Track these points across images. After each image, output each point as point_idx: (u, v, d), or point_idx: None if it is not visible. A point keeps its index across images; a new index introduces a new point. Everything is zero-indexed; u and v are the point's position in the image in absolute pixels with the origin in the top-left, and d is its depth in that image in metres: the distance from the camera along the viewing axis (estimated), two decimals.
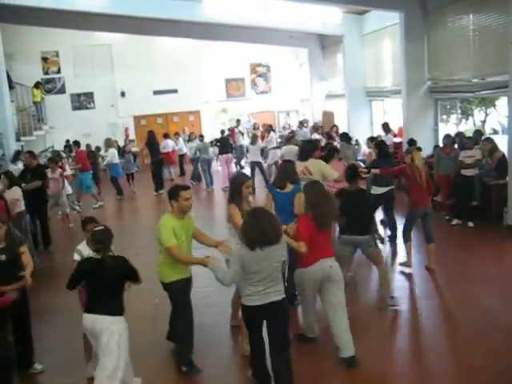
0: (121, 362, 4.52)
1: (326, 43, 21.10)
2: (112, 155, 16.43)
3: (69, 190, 13.58)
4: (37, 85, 20.06)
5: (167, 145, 18.32)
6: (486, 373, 5.02)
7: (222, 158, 16.63)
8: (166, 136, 18.59)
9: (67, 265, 5.55)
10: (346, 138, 13.23)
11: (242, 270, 4.42)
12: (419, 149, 8.87)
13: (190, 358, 5.36)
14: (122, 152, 18.53)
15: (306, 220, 5.38)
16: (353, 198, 6.44)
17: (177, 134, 19.88)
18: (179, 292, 5.24)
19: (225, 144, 16.90)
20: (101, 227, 4.80)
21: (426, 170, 7.82)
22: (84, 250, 5.29)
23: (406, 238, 7.94)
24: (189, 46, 22.16)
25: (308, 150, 8.08)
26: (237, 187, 5.73)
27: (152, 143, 17.07)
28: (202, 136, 18.43)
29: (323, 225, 5.34)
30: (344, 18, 17.36)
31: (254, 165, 15.50)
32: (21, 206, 9.16)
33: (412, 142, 11.92)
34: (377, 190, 9.06)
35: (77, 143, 16.29)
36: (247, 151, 17.62)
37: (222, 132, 18.96)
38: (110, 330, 4.51)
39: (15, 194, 9.09)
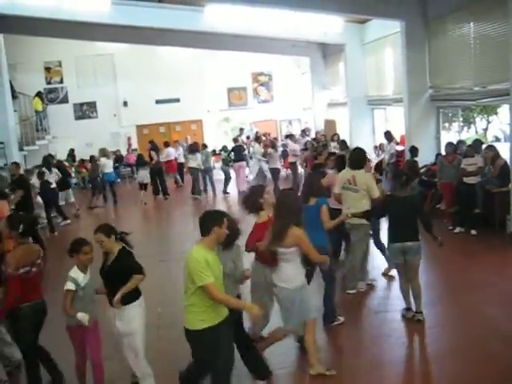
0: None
1: (327, 52, 21.16)
2: (103, 165, 16.47)
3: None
4: (38, 94, 20.08)
5: (169, 153, 18.38)
6: (484, 380, 5.01)
7: (235, 166, 16.81)
8: (166, 144, 18.63)
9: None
10: (344, 145, 13.31)
11: None
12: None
13: None
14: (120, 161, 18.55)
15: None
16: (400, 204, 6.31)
17: (176, 141, 19.88)
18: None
19: (238, 152, 17.07)
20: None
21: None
22: (78, 276, 4.85)
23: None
24: (191, 56, 22.28)
25: (360, 158, 7.46)
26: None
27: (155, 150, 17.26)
28: (204, 145, 18.34)
29: None
30: (345, 26, 17.41)
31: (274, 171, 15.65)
32: None
33: (414, 150, 11.94)
34: None
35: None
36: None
37: (235, 140, 18.84)
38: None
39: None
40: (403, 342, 6.03)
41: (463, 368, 5.29)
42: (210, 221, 4.39)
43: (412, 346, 5.97)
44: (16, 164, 12.14)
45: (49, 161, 14.96)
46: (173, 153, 18.66)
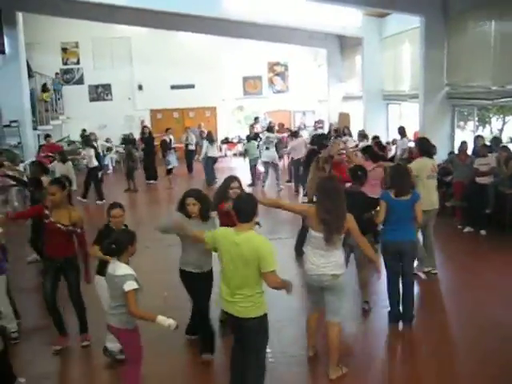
0: None
1: (345, 45, 21.04)
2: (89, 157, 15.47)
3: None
4: (44, 88, 19.85)
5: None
6: (481, 379, 5.04)
7: None
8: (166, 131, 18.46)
9: None
10: (363, 136, 13.21)
11: None
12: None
13: None
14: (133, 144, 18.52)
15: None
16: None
17: (187, 128, 19.74)
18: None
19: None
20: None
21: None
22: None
23: None
24: (208, 42, 22.21)
25: (432, 146, 7.66)
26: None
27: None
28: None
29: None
30: (364, 20, 17.31)
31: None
32: None
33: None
34: None
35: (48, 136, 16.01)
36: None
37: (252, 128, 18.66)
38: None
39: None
40: (405, 340, 6.03)
41: (464, 366, 5.33)
42: (253, 208, 4.33)
43: (414, 344, 5.96)
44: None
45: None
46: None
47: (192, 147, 19.03)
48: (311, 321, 5.45)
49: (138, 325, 4.48)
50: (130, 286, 4.21)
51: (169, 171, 16.77)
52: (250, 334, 4.32)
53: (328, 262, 4.91)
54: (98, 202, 14.14)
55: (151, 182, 17.42)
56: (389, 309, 6.31)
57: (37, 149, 16.14)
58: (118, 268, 4.32)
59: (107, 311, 4.55)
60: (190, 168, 19.24)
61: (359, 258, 6.45)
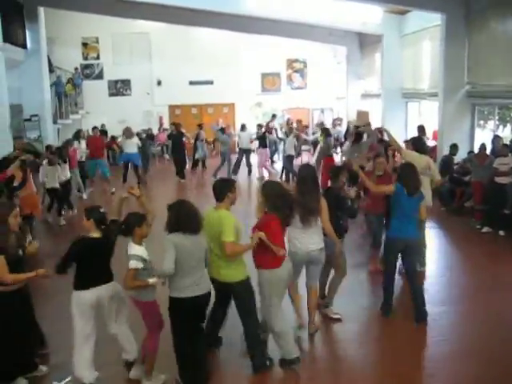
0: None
1: (364, 42, 20.92)
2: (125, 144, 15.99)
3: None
4: (69, 81, 20.21)
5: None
6: (485, 381, 5.02)
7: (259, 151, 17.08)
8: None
9: None
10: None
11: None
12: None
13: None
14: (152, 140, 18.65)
15: (277, 221, 5.19)
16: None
17: (200, 125, 19.68)
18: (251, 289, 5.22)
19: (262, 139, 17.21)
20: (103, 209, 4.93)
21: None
22: (142, 252, 4.73)
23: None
24: (227, 38, 22.22)
25: (425, 144, 8.00)
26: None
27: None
28: (223, 129, 18.39)
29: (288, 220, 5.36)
30: (384, 17, 17.19)
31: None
32: None
33: (454, 147, 11.80)
34: None
35: (96, 128, 16.19)
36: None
37: (260, 126, 18.73)
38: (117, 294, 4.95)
39: None
40: (418, 339, 6.00)
41: (478, 367, 5.27)
42: (223, 188, 5.10)
43: (427, 343, 5.92)
44: None
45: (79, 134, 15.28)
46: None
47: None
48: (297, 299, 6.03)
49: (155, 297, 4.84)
50: (131, 264, 4.62)
51: (195, 163, 17.36)
52: (240, 295, 5.10)
53: (311, 238, 5.59)
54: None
55: (181, 180, 16.74)
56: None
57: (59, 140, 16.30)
58: (130, 248, 4.73)
59: None
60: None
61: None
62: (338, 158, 15.56)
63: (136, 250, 4.70)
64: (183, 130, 17.56)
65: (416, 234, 6.24)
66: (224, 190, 5.07)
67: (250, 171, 17.15)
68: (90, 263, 4.76)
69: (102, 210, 4.95)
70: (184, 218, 4.62)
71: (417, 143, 8.22)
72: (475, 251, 8.93)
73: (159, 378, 4.97)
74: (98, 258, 4.82)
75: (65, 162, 11.80)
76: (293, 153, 15.67)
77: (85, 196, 14.02)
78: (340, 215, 6.19)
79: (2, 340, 4.86)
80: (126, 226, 4.75)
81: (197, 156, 18.60)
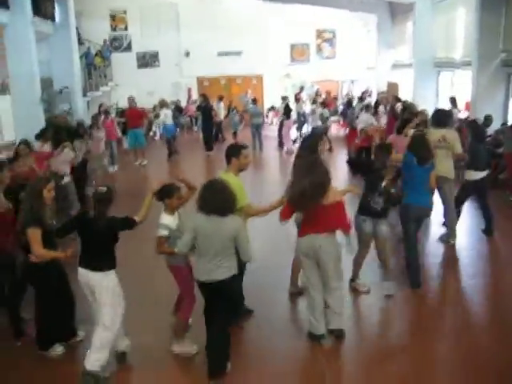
0: (116, 318, 4.73)
1: (395, 10, 20.43)
2: (165, 116, 16.45)
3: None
4: (97, 53, 20.25)
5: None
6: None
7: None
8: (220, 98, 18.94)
9: None
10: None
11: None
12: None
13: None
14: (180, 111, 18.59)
15: None
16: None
17: (221, 98, 19.37)
18: None
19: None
20: (104, 188, 4.77)
21: None
22: (169, 221, 4.94)
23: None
24: (255, 9, 21.95)
25: (445, 117, 7.91)
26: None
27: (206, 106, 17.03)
28: (254, 100, 18.24)
29: (293, 204, 4.98)
30: None
31: None
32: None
33: (488, 119, 11.50)
34: (474, 175, 7.82)
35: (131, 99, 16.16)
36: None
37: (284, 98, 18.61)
38: (100, 287, 4.68)
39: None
40: (446, 312, 5.97)
41: (509, 338, 5.24)
42: (228, 152, 5.26)
43: (457, 316, 5.89)
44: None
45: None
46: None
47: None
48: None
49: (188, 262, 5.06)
50: (159, 232, 4.91)
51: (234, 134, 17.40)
52: (229, 292, 4.68)
53: None
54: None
55: (209, 153, 16.58)
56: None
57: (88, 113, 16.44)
58: (161, 217, 4.98)
59: None
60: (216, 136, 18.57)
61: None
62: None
63: (164, 219, 4.94)
64: (212, 103, 17.53)
65: (428, 202, 6.43)
66: (229, 153, 5.24)
67: (260, 147, 16.86)
68: (82, 240, 4.82)
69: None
70: (209, 199, 4.40)
71: (434, 117, 8.16)
72: (508, 224, 8.78)
73: (190, 346, 5.06)
74: (84, 237, 4.81)
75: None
76: (318, 124, 15.56)
77: (113, 169, 14.19)
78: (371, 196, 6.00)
79: (43, 308, 5.09)
80: (158, 193, 4.92)
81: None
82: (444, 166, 7.26)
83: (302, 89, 21.25)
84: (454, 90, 16.02)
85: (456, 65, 15.54)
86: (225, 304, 4.59)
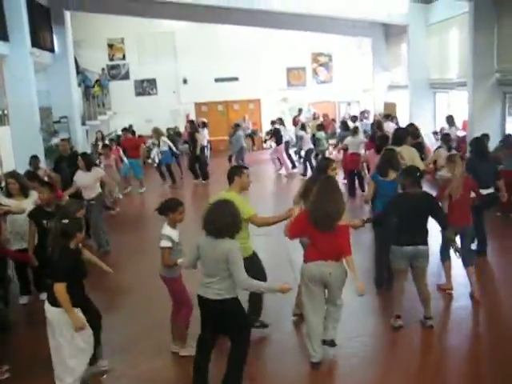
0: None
1: (389, 33, 20.66)
2: (163, 143, 16.31)
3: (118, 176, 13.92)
4: (96, 82, 20.41)
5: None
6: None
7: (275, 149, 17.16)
8: (203, 125, 19.01)
9: None
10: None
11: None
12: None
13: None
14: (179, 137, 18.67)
15: (304, 213, 5.24)
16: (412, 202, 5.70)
17: (204, 124, 19.37)
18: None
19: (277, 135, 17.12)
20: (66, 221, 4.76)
21: (468, 182, 6.71)
22: (172, 233, 5.19)
23: (445, 256, 6.87)
24: (251, 35, 22.16)
25: (402, 135, 8.33)
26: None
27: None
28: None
29: (317, 224, 5.00)
30: (410, 6, 16.93)
31: None
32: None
33: (485, 137, 11.52)
34: None
35: (127, 130, 16.69)
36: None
37: (273, 123, 18.50)
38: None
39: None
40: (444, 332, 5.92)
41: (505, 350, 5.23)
42: (231, 173, 5.63)
43: (460, 338, 5.85)
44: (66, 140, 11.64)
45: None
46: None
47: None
48: None
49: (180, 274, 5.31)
50: (162, 243, 5.13)
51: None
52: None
53: None
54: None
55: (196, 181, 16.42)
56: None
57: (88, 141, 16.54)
58: (163, 229, 5.21)
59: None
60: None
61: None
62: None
63: (167, 230, 5.19)
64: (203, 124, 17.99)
65: None
66: (232, 173, 5.62)
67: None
68: None
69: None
70: (209, 220, 4.47)
71: (393, 135, 8.66)
72: (505, 243, 8.78)
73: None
74: None
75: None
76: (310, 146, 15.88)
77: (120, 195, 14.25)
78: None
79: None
80: (162, 207, 5.21)
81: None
82: None
83: (300, 112, 21.40)
84: (451, 109, 16.13)
85: (451, 85, 15.68)
86: (229, 327, 4.56)
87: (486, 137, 11.45)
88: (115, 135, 20.73)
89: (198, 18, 19.19)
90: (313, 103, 23.62)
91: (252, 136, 22.71)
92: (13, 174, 7.43)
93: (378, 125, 13.55)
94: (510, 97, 13.23)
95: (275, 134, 17.12)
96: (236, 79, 23.52)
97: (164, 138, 16.63)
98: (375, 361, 5.40)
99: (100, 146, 14.99)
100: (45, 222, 6.38)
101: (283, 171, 16.83)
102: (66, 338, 4.56)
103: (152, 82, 23.77)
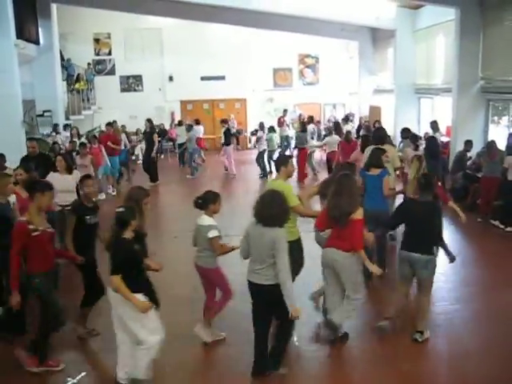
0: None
1: (377, 37, 20.78)
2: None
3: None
4: (77, 79, 19.98)
5: (199, 130, 18.87)
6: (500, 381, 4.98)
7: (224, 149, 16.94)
8: (197, 122, 18.96)
9: None
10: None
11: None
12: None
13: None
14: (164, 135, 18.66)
15: (325, 209, 5.63)
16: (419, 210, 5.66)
17: (180, 122, 19.62)
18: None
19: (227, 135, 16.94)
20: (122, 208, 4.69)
21: None
22: (214, 222, 5.44)
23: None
24: (238, 34, 22.12)
25: (382, 135, 8.78)
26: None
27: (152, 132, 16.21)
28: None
29: (333, 220, 5.40)
30: (397, 12, 17.07)
31: None
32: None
33: (468, 143, 11.67)
34: None
35: (110, 124, 15.76)
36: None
37: (224, 122, 17.92)
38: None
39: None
40: (434, 337, 5.95)
41: (491, 366, 5.22)
42: (278, 162, 6.18)
43: (440, 342, 5.87)
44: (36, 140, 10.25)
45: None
46: (201, 130, 19.11)
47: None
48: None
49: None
50: (213, 233, 5.32)
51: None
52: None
53: None
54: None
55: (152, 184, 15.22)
56: None
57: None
58: (204, 220, 5.42)
59: (196, 254, 5.54)
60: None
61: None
62: None
63: (211, 221, 5.41)
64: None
65: (380, 206, 6.98)
66: (279, 163, 6.11)
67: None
68: None
69: None
70: (258, 210, 4.75)
71: (374, 134, 9.15)
72: (488, 248, 8.86)
73: (218, 335, 5.66)
74: None
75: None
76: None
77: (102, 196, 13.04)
78: None
79: None
80: (203, 200, 5.42)
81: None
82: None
83: (285, 112, 21.44)
84: (435, 115, 16.27)
85: (436, 91, 15.81)
86: (276, 310, 4.79)
87: (468, 143, 11.63)
88: (99, 130, 20.57)
89: (186, 15, 19.14)
90: (298, 104, 23.67)
91: (237, 135, 22.68)
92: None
93: (336, 126, 15.57)
94: (493, 104, 13.40)
95: (225, 134, 16.87)
96: (222, 78, 23.45)
97: None
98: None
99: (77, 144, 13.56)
100: (88, 217, 5.76)
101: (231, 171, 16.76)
102: (136, 319, 4.54)
103: (138, 79, 23.62)
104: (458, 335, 5.94)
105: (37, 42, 15.47)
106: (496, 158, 10.14)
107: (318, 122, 21.65)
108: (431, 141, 10.51)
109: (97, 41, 23.28)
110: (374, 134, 9.19)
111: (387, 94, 19.39)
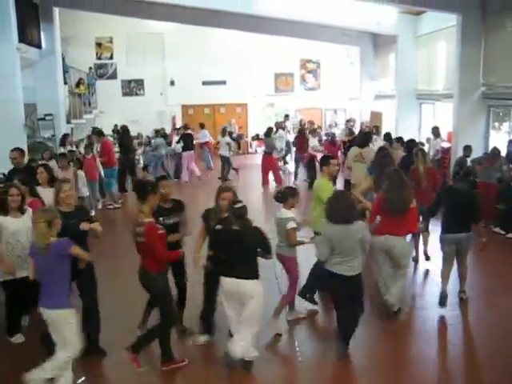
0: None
1: (378, 42, 20.81)
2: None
3: (84, 192, 11.01)
4: (77, 84, 19.95)
5: (204, 135, 18.87)
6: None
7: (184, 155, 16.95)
8: (201, 126, 19.08)
9: None
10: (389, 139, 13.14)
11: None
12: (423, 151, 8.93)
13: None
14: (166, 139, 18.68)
15: (379, 199, 6.47)
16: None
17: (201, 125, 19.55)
18: None
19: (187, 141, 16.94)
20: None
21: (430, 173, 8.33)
22: (292, 215, 6.00)
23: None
24: (240, 39, 22.19)
25: (365, 139, 10.25)
26: None
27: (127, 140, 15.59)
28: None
29: (390, 208, 6.14)
30: (399, 18, 17.08)
31: None
32: None
33: (467, 149, 11.65)
34: None
35: (100, 133, 14.55)
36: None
37: (185, 128, 18.06)
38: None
39: None
40: (435, 340, 5.94)
41: (492, 370, 5.25)
42: (321, 162, 7.00)
43: (441, 347, 5.86)
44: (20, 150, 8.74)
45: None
46: (207, 135, 19.10)
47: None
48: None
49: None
50: (290, 225, 5.93)
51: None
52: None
53: None
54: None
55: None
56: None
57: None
58: (283, 213, 6.04)
59: (277, 244, 6.13)
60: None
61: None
62: None
63: (289, 213, 6.01)
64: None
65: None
66: (322, 164, 6.92)
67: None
68: None
69: None
70: (334, 211, 5.31)
71: (358, 138, 10.81)
72: (489, 254, 8.83)
73: (298, 314, 6.40)
74: None
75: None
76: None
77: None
78: None
79: None
80: (282, 195, 6.06)
81: None
82: (358, 175, 9.21)
83: (286, 117, 21.46)
84: (437, 120, 16.27)
85: (437, 97, 15.82)
86: (353, 297, 5.37)
87: (468, 148, 11.60)
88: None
89: (188, 20, 19.14)
90: (299, 109, 23.69)
91: (238, 140, 22.72)
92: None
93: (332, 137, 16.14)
94: (494, 110, 13.40)
95: (183, 139, 16.93)
96: (224, 83, 23.49)
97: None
98: None
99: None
100: (161, 219, 5.56)
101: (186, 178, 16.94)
102: (258, 306, 5.11)
103: (139, 83, 23.67)
104: (457, 341, 5.95)
105: (39, 46, 15.47)
106: (496, 164, 10.16)
107: (319, 127, 21.66)
108: (409, 142, 10.77)
109: (99, 45, 23.34)
110: (358, 137, 10.68)
111: (388, 99, 19.40)
